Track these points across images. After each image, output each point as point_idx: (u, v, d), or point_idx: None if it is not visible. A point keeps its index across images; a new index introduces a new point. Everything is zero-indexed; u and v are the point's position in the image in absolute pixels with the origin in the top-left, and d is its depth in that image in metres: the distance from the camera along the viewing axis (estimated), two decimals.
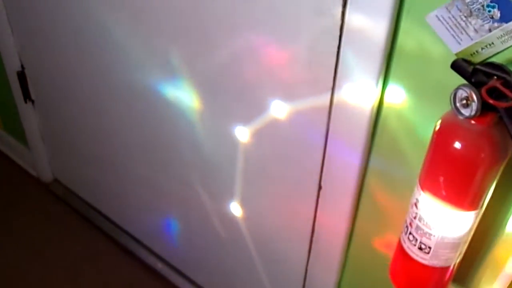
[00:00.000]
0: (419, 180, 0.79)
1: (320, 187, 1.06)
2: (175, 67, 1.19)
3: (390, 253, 1.01)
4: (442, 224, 0.78)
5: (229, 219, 1.34)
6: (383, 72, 0.84)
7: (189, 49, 1.14)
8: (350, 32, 0.83)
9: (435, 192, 0.77)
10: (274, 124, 1.07)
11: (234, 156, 1.20)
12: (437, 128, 0.74)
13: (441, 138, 0.74)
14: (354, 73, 0.86)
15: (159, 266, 1.74)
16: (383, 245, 1.04)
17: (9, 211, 1.94)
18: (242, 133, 1.14)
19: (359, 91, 0.87)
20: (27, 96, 1.79)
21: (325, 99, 0.94)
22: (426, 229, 0.80)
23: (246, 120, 1.12)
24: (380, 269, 1.07)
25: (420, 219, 0.80)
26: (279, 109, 1.04)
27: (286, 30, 0.94)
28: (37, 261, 1.78)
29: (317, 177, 1.05)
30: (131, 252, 1.80)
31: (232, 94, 1.11)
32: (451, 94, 0.70)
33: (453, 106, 0.71)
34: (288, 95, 1.01)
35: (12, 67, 1.74)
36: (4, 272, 1.74)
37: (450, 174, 0.74)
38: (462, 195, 0.75)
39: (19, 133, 1.97)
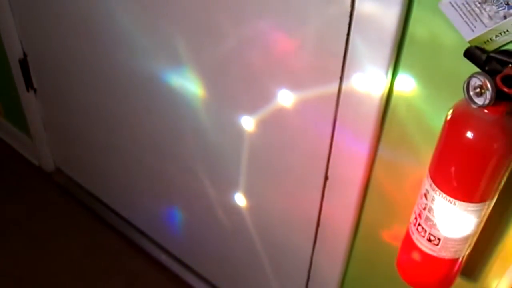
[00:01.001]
0: (429, 171, 0.78)
1: (326, 178, 1.04)
2: (181, 55, 1.17)
3: (397, 245, 1.00)
4: (452, 215, 0.77)
5: (234, 210, 1.33)
6: (393, 61, 0.82)
7: (195, 37, 1.12)
8: (360, 20, 0.82)
9: (445, 183, 0.75)
10: (281, 113, 1.06)
11: (239, 146, 1.18)
12: (449, 117, 0.73)
13: (452, 128, 0.72)
14: (363, 62, 0.85)
15: (163, 257, 1.73)
16: (390, 236, 1.03)
17: (10, 200, 1.93)
18: (248, 123, 1.13)
19: (368, 79, 0.85)
20: (29, 84, 1.78)
21: (333, 88, 0.92)
22: (435, 220, 0.79)
23: (252, 109, 1.11)
24: (387, 261, 1.06)
25: (429, 210, 0.79)
26: (286, 98, 1.03)
27: (294, 17, 0.92)
28: (39, 252, 1.78)
29: (324, 167, 1.03)
30: (134, 243, 1.79)
31: (238, 83, 1.10)
32: (464, 83, 0.69)
33: (466, 94, 0.69)
34: (295, 84, 1.00)
35: (14, 54, 1.72)
36: (6, 262, 1.74)
37: (461, 164, 0.73)
38: (473, 186, 0.74)
39: (21, 122, 1.96)
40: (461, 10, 0.69)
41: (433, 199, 0.78)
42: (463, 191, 0.74)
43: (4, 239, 1.80)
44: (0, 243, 1.79)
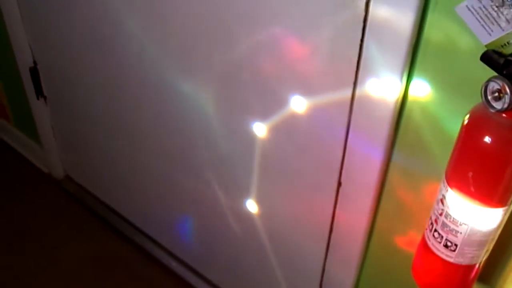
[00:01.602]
0: (446, 176, 0.77)
1: (339, 184, 1.04)
2: (192, 61, 1.17)
3: (411, 251, 0.99)
4: (469, 221, 0.76)
5: (245, 216, 1.32)
6: (408, 65, 0.82)
7: (206, 43, 1.12)
8: (374, 24, 0.81)
9: (463, 188, 0.74)
10: (293, 119, 1.05)
11: (251, 152, 1.18)
12: (466, 122, 0.72)
13: (470, 133, 0.72)
14: (377, 67, 0.84)
15: (174, 264, 1.72)
16: (404, 243, 1.02)
17: (20, 208, 1.93)
18: (260, 129, 1.13)
19: (383, 85, 0.85)
20: (39, 92, 1.78)
21: (346, 93, 0.92)
22: (452, 226, 0.78)
23: (264, 115, 1.11)
24: (401, 267, 1.05)
25: (446, 216, 0.78)
26: (298, 104, 1.02)
27: (307, 22, 0.92)
28: (48, 259, 1.77)
29: (337, 173, 1.03)
30: (145, 250, 1.78)
31: (250, 89, 1.10)
32: (482, 87, 0.68)
33: (484, 99, 0.68)
34: (308, 89, 0.99)
35: (24, 63, 1.73)
36: (15, 269, 1.73)
37: (479, 169, 0.72)
38: (491, 191, 0.73)
39: (31, 130, 1.96)
40: (478, 14, 0.68)
41: (449, 205, 0.77)
42: (481, 196, 0.73)
43: (13, 246, 1.80)
44: (9, 250, 1.79)
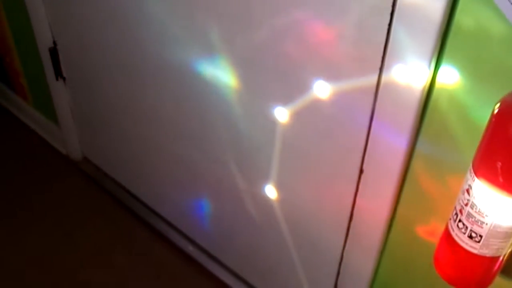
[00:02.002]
0: (473, 166, 0.76)
1: (361, 171, 1.02)
2: (214, 43, 1.16)
3: (433, 241, 0.98)
4: (496, 212, 0.75)
5: (264, 202, 1.32)
6: (436, 52, 0.80)
7: (228, 25, 1.10)
8: (403, 8, 0.79)
9: (491, 179, 0.73)
10: (316, 105, 1.04)
11: (272, 137, 1.17)
12: (497, 110, 0.70)
13: (500, 121, 0.70)
14: (405, 52, 0.82)
15: (190, 248, 1.72)
16: (426, 233, 1.01)
17: (37, 189, 1.94)
18: (282, 114, 1.11)
19: (410, 71, 0.83)
20: (58, 73, 1.78)
21: (372, 79, 0.90)
22: (478, 217, 0.77)
23: (286, 100, 1.09)
24: (422, 257, 1.04)
25: (472, 206, 0.77)
26: (321, 89, 1.01)
27: (334, 6, 0.90)
28: (65, 240, 1.78)
29: (359, 160, 1.02)
30: (161, 234, 1.79)
31: (272, 73, 1.08)
32: None
33: None
34: (332, 74, 0.98)
35: (44, 43, 1.73)
36: (32, 250, 1.75)
37: (509, 160, 0.70)
38: None
39: (50, 111, 1.96)
40: None
41: (476, 195, 0.76)
42: (509, 187, 0.72)
43: (30, 228, 1.81)
44: (26, 232, 1.80)
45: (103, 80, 1.61)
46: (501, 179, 0.72)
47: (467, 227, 0.79)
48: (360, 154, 1.01)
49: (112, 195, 1.91)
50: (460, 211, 0.80)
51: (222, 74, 1.19)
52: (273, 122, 1.14)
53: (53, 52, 1.73)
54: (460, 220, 0.80)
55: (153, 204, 1.82)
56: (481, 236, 0.78)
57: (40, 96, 1.99)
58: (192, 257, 1.72)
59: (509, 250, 0.82)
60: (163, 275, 1.69)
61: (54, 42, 1.72)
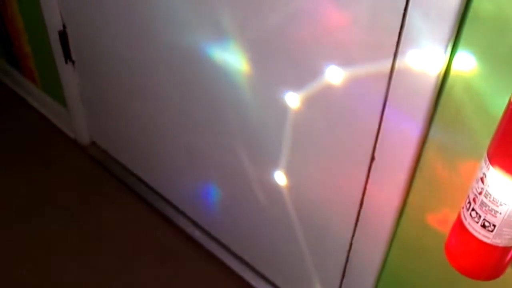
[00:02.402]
0: (488, 154, 0.74)
1: (373, 158, 1.01)
2: (224, 27, 1.15)
3: (443, 230, 0.97)
4: (510, 201, 0.73)
5: (272, 188, 1.31)
6: (453, 37, 0.78)
7: (240, 8, 1.09)
8: None
9: (506, 167, 0.71)
10: (328, 90, 1.02)
11: (282, 123, 1.16)
12: None
13: None
14: (420, 38, 0.81)
15: (197, 233, 1.72)
16: (437, 221, 1.00)
17: (45, 172, 1.94)
18: (293, 99, 1.10)
19: (425, 57, 0.82)
20: (67, 56, 1.77)
21: (386, 65, 0.88)
22: (492, 206, 0.76)
23: (297, 85, 1.08)
24: (432, 246, 1.03)
25: (486, 195, 0.76)
26: (334, 75, 0.99)
27: None
28: (72, 224, 1.78)
29: (371, 147, 1.00)
30: (168, 218, 1.78)
31: (284, 58, 1.07)
32: None
33: None
34: (345, 60, 0.96)
35: (53, 26, 1.72)
36: (40, 234, 1.75)
37: None
38: None
39: (58, 94, 1.96)
40: None
41: (490, 184, 0.74)
42: None
43: (38, 211, 1.81)
44: (33, 214, 1.80)
45: (112, 64, 1.60)
46: None
47: (480, 216, 0.78)
48: (372, 141, 0.99)
49: (119, 180, 1.91)
50: (474, 199, 0.78)
51: (233, 59, 1.18)
52: (284, 108, 1.13)
53: (63, 35, 1.72)
54: (473, 209, 0.79)
55: (160, 189, 1.81)
56: (494, 226, 0.77)
57: (49, 79, 1.98)
58: (199, 243, 1.71)
59: None
60: (169, 260, 1.69)
61: (64, 25, 1.71)
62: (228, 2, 1.11)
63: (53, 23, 1.71)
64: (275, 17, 1.03)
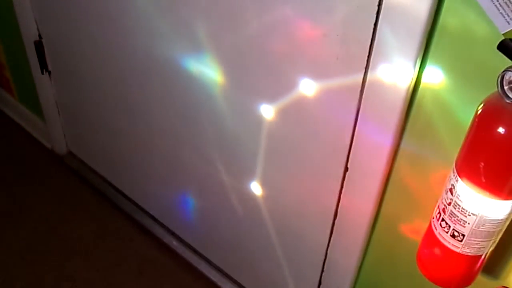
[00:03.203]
0: (456, 166, 0.76)
1: (346, 169, 1.03)
2: (200, 39, 1.16)
3: (416, 239, 0.99)
4: (478, 212, 0.75)
5: (249, 198, 1.32)
6: (422, 51, 0.80)
7: (215, 21, 1.10)
8: (389, 8, 0.80)
9: (473, 179, 0.73)
10: (302, 102, 1.04)
11: (257, 134, 1.17)
12: (480, 111, 0.71)
13: (483, 122, 0.70)
14: (390, 52, 0.83)
15: (174, 243, 1.72)
16: (410, 230, 1.02)
17: (22, 183, 1.93)
18: (267, 111, 1.11)
19: (395, 70, 0.83)
20: (44, 67, 1.76)
21: (357, 78, 0.90)
22: (461, 216, 0.77)
23: (272, 97, 1.09)
24: (405, 255, 1.04)
25: (455, 206, 0.77)
26: (307, 87, 1.01)
27: (320, 4, 0.90)
28: (49, 235, 1.77)
29: (344, 158, 1.02)
30: (146, 228, 1.78)
31: (259, 70, 1.08)
32: (498, 77, 0.67)
33: (499, 89, 0.67)
34: (318, 73, 0.98)
35: (29, 36, 1.71)
36: (17, 245, 1.73)
37: (491, 160, 0.71)
38: (502, 183, 0.72)
39: (34, 105, 1.95)
40: (497, 1, 0.67)
41: (459, 195, 0.76)
42: (492, 187, 0.72)
43: (14, 223, 1.80)
44: (10, 226, 1.79)
45: (89, 74, 1.60)
46: (483, 179, 0.72)
47: (450, 226, 0.80)
48: (345, 152, 1.01)
49: (97, 190, 1.90)
50: (443, 210, 0.80)
51: (209, 70, 1.19)
52: (259, 119, 1.14)
53: (39, 46, 1.72)
54: (443, 219, 0.81)
55: (138, 199, 1.81)
56: (463, 235, 0.79)
57: (25, 89, 1.97)
58: (177, 253, 1.71)
59: (491, 249, 0.83)
60: (147, 270, 1.69)
61: (40, 36, 1.70)
62: (203, 15, 1.12)
63: (29, 33, 1.71)
64: (249, 30, 1.04)
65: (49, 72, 1.78)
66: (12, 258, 1.70)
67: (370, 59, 0.86)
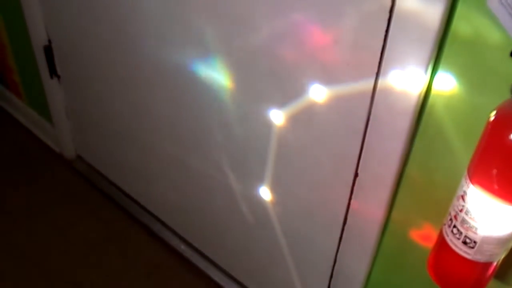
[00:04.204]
0: (468, 172, 0.76)
1: (356, 175, 1.03)
2: (210, 45, 1.16)
3: (427, 245, 0.99)
4: (491, 218, 0.75)
5: (258, 204, 1.32)
6: (433, 58, 0.80)
7: (225, 26, 1.10)
8: (400, 15, 0.80)
9: (486, 186, 0.73)
10: (312, 108, 1.04)
11: (267, 140, 1.17)
12: (492, 118, 0.71)
13: (496, 129, 0.70)
14: (402, 58, 0.83)
15: (182, 247, 1.72)
16: (420, 237, 1.02)
17: (30, 187, 1.94)
18: (277, 117, 1.12)
19: (406, 77, 0.83)
20: (53, 71, 1.77)
21: (368, 84, 0.90)
22: (472, 223, 0.77)
23: (282, 103, 1.09)
24: (416, 261, 1.04)
25: (467, 213, 0.77)
26: (318, 93, 1.01)
27: (332, 11, 0.90)
28: (58, 239, 1.78)
29: (354, 164, 1.02)
30: (154, 232, 1.79)
31: (269, 75, 1.08)
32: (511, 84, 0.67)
33: None
34: (329, 79, 0.98)
35: (38, 41, 1.72)
36: (25, 250, 1.74)
37: (504, 167, 0.71)
38: None
39: (43, 109, 1.95)
40: (510, 8, 0.67)
41: (471, 201, 0.76)
42: (504, 194, 0.72)
43: (23, 227, 1.80)
44: (18, 229, 1.79)
45: (98, 79, 1.61)
46: (496, 186, 0.72)
47: (461, 233, 0.80)
48: (356, 158, 1.01)
49: (105, 194, 1.91)
50: (455, 217, 0.80)
51: (218, 76, 1.19)
52: (269, 125, 1.14)
53: (48, 50, 1.73)
54: (454, 226, 0.81)
55: (146, 203, 1.82)
56: (475, 242, 0.79)
57: (34, 94, 1.98)
58: (185, 257, 1.72)
59: (503, 256, 0.82)
60: (155, 274, 1.69)
61: (49, 40, 1.71)
62: (214, 20, 1.12)
63: (38, 37, 1.71)
64: (260, 36, 1.05)
65: (58, 77, 1.78)
66: (20, 262, 1.70)
67: (381, 65, 0.86)
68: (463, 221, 0.79)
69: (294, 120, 1.10)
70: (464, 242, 0.80)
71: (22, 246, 1.75)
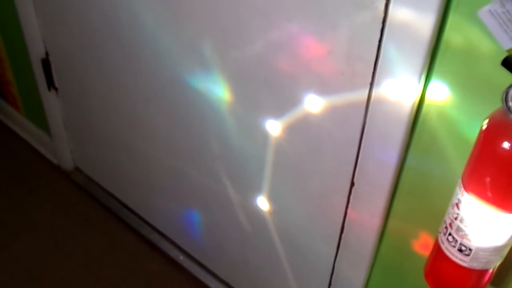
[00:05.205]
0: (462, 181, 0.77)
1: (352, 184, 1.03)
2: (206, 57, 1.17)
3: (423, 253, 0.99)
4: (485, 226, 0.76)
5: (255, 213, 1.32)
6: (426, 68, 0.81)
7: (221, 39, 1.11)
8: (393, 26, 0.81)
9: (480, 193, 0.74)
10: (307, 118, 1.05)
11: (263, 150, 1.18)
12: (485, 127, 0.72)
13: (489, 138, 0.71)
14: (395, 68, 0.83)
15: (181, 258, 1.73)
16: (417, 245, 1.02)
17: (29, 199, 1.94)
18: (273, 127, 1.12)
19: (400, 87, 0.84)
20: (51, 83, 1.78)
21: (362, 94, 0.91)
22: (467, 231, 0.78)
23: (278, 113, 1.10)
24: (413, 269, 1.05)
25: (461, 220, 0.78)
26: (313, 103, 1.02)
27: (326, 22, 0.91)
28: (57, 251, 1.78)
29: (350, 173, 1.03)
30: (153, 243, 1.79)
31: (264, 86, 1.09)
32: (503, 93, 0.67)
33: (504, 105, 0.68)
34: (324, 89, 0.99)
35: (36, 53, 1.73)
36: (24, 261, 1.74)
37: (497, 175, 0.72)
38: (508, 197, 0.72)
39: (41, 121, 1.96)
40: (501, 18, 0.68)
41: (465, 209, 0.77)
42: (498, 201, 0.73)
43: (21, 238, 1.81)
44: (17, 241, 1.79)
45: (95, 91, 1.62)
46: (489, 194, 0.73)
47: (457, 241, 0.80)
48: (351, 168, 1.02)
49: (103, 205, 1.91)
50: (450, 225, 0.81)
51: (214, 87, 1.20)
52: (265, 135, 1.15)
53: (46, 63, 1.74)
54: (450, 234, 0.81)
55: (144, 214, 1.82)
56: (470, 250, 0.80)
57: (32, 106, 1.99)
58: (183, 267, 1.72)
59: (499, 263, 0.83)
60: (154, 284, 1.70)
61: (47, 53, 1.72)
62: (209, 33, 1.13)
63: (36, 50, 1.72)
64: (255, 47, 1.05)
65: (56, 89, 1.79)
66: (19, 275, 1.70)
67: (375, 75, 0.87)
68: (458, 229, 0.79)
69: (290, 130, 1.11)
70: (460, 250, 0.81)
71: (21, 258, 1.75)
